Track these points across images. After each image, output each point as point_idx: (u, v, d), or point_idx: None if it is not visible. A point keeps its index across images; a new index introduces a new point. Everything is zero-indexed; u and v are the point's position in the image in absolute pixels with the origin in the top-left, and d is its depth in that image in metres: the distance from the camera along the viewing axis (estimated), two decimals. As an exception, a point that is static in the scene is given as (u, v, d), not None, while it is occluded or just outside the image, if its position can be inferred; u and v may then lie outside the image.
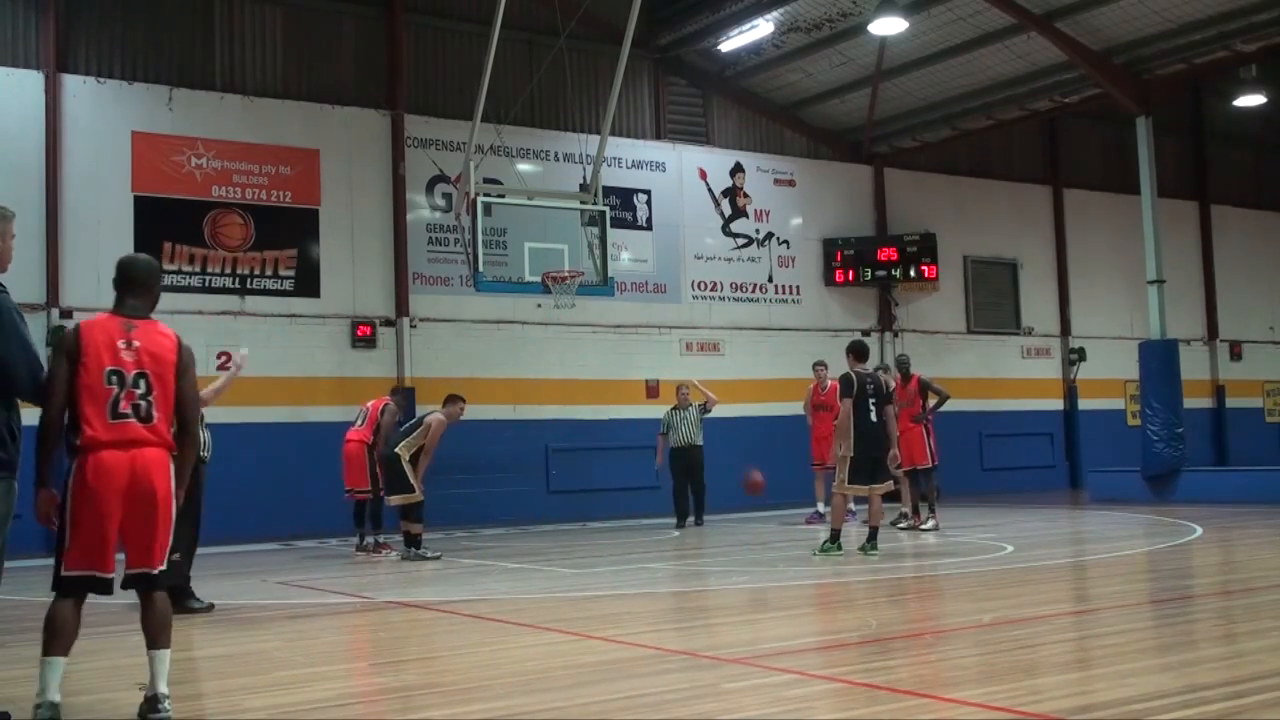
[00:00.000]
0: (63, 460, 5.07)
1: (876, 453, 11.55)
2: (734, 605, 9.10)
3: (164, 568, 5.12)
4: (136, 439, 5.01)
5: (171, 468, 5.12)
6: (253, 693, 5.87)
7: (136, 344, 5.07)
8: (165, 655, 5.07)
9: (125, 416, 5.01)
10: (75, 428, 5.01)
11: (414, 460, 12.55)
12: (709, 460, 16.91)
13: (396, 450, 12.56)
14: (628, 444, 19.44)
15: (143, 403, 5.04)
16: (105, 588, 5.01)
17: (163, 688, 5.02)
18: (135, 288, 5.27)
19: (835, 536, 11.60)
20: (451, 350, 18.60)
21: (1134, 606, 8.23)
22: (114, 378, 5.01)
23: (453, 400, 13.11)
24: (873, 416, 11.47)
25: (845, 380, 11.56)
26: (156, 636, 5.08)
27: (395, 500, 12.65)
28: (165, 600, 5.19)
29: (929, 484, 14.43)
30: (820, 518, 15.69)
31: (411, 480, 12.45)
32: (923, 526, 13.98)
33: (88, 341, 5.04)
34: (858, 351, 11.86)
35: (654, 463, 17.15)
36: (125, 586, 5.09)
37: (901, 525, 14.45)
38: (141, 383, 5.05)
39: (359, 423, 13.63)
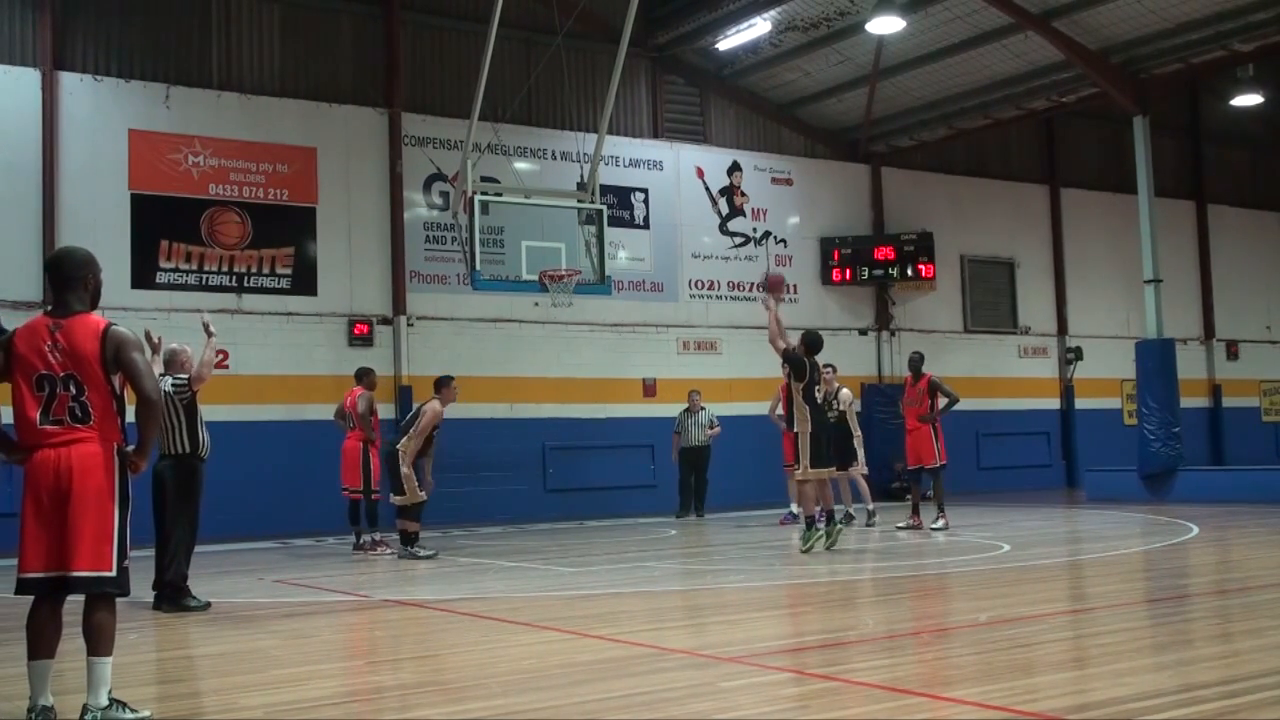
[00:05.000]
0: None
1: (825, 433, 12.06)
2: (731, 603, 9.10)
3: (97, 573, 4.86)
4: (68, 439, 4.90)
5: (113, 463, 4.97)
6: (249, 691, 5.87)
7: (61, 344, 4.94)
8: (100, 664, 4.89)
9: (59, 421, 4.92)
10: (16, 433, 4.99)
11: (419, 455, 12.47)
12: (718, 458, 18.18)
13: (397, 447, 12.55)
14: (625, 443, 19.47)
15: (75, 405, 4.93)
16: (41, 588, 4.89)
17: (95, 699, 4.85)
18: (65, 283, 5.10)
19: (811, 523, 11.70)
20: (448, 348, 18.58)
21: (1130, 605, 8.24)
22: (44, 383, 4.93)
23: (443, 383, 12.92)
24: (819, 398, 12.03)
25: (799, 362, 11.77)
26: (89, 644, 4.92)
27: (395, 500, 12.62)
28: (105, 608, 4.96)
29: (936, 483, 14.43)
30: (794, 518, 15.78)
31: (411, 481, 12.41)
32: (933, 526, 13.96)
33: (17, 347, 4.97)
34: (812, 344, 12.11)
35: (650, 461, 18.90)
36: (51, 590, 4.91)
37: (901, 525, 14.46)
38: (72, 385, 4.93)
39: (353, 424, 13.61)
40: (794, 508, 15.97)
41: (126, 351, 5.03)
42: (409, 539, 12.52)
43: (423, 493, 12.58)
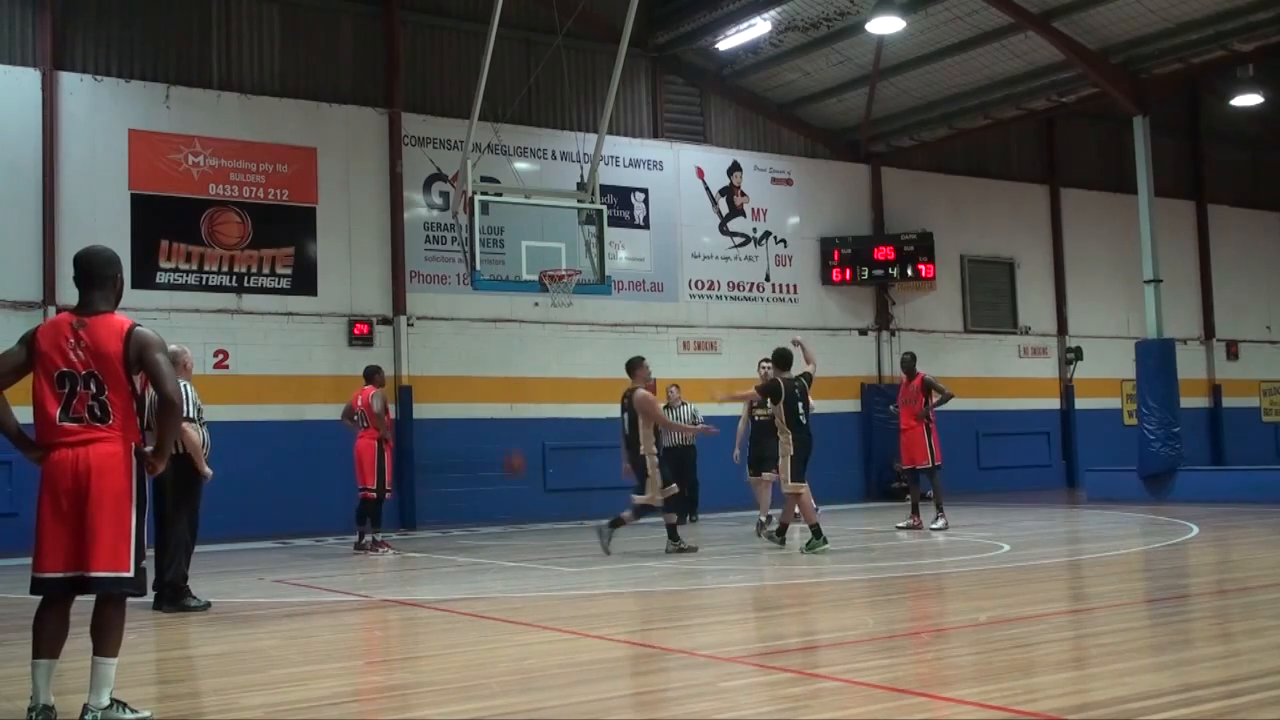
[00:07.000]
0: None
1: (809, 451, 12.19)
2: (731, 603, 9.11)
3: (115, 573, 4.86)
4: (87, 438, 4.90)
5: (130, 463, 4.96)
6: (249, 691, 5.87)
7: (85, 342, 4.95)
8: (104, 664, 4.89)
9: (78, 419, 4.91)
10: (36, 430, 4.99)
11: (659, 449, 12.18)
12: (707, 458, 17.29)
13: (641, 453, 12.13)
14: (625, 443, 19.42)
15: (95, 404, 4.93)
16: (57, 588, 4.89)
17: (97, 699, 4.84)
18: (92, 281, 5.10)
19: (818, 531, 11.84)
20: (449, 349, 18.60)
21: (1130, 605, 8.24)
22: (65, 380, 4.92)
23: (633, 366, 12.48)
24: (802, 418, 12.11)
25: (773, 387, 12.13)
26: (96, 644, 4.92)
27: (640, 500, 12.24)
28: (116, 608, 4.96)
29: (933, 483, 14.46)
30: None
31: (654, 478, 12.04)
32: (932, 526, 13.99)
33: (40, 344, 4.97)
34: (780, 361, 12.35)
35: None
36: (67, 590, 4.91)
37: (901, 525, 14.49)
38: (93, 383, 4.93)
39: (364, 424, 13.57)
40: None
41: (150, 352, 5.04)
42: (674, 533, 12.21)
43: (674, 485, 12.20)
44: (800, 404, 12.10)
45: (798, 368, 12.64)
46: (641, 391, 12.31)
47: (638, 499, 12.23)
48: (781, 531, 12.36)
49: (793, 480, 11.98)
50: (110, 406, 4.95)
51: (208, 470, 9.14)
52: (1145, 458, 18.63)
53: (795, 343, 12.95)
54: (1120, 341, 24.03)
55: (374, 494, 13.44)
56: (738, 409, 15.76)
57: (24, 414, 5.00)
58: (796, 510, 12.30)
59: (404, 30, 18.76)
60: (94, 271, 5.13)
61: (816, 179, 22.63)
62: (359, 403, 13.63)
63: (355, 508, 13.72)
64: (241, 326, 17.08)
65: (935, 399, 14.33)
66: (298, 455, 16.71)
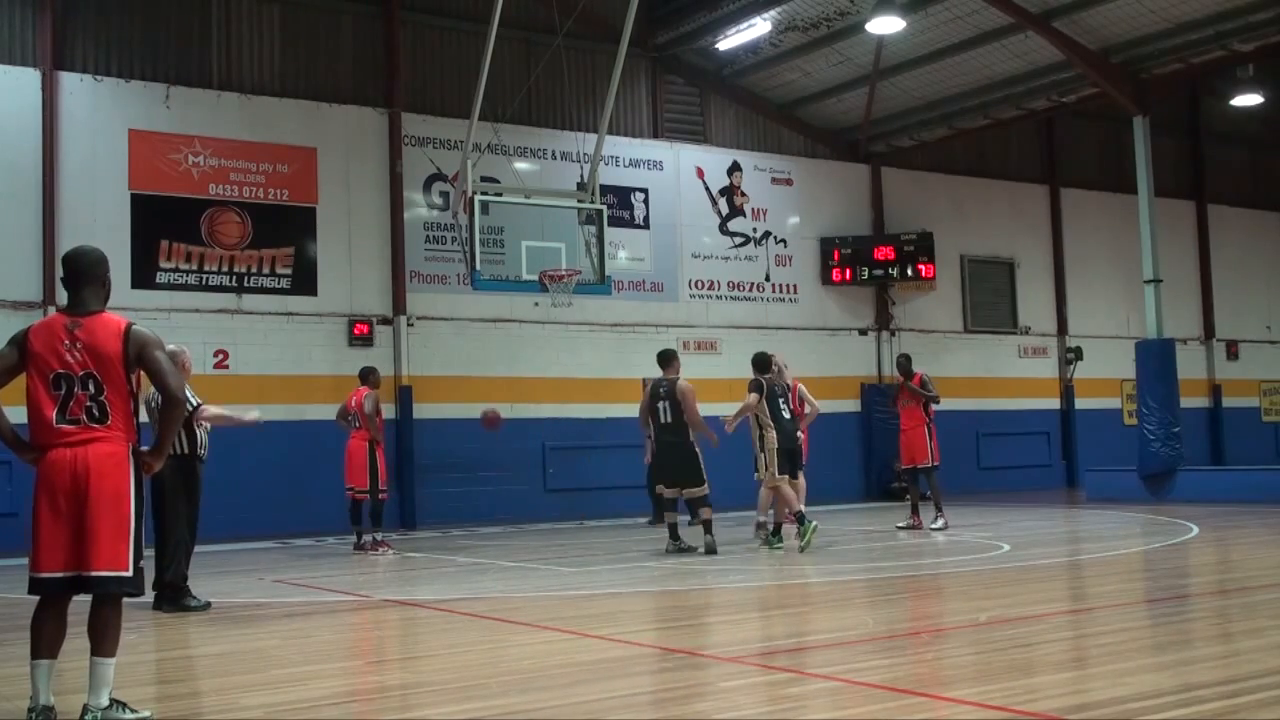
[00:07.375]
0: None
1: (792, 445, 12.49)
2: (730, 603, 9.11)
3: (114, 572, 4.86)
4: (85, 439, 4.89)
5: (129, 463, 4.96)
6: (250, 691, 5.87)
7: (80, 343, 4.92)
8: (103, 665, 4.88)
9: (75, 421, 4.90)
10: (31, 432, 4.98)
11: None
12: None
13: (690, 440, 12.13)
14: (624, 443, 19.39)
15: (93, 405, 4.91)
16: (56, 588, 4.88)
17: (96, 699, 4.84)
18: (82, 281, 5.08)
19: (801, 518, 12.00)
20: (449, 349, 18.60)
21: (1130, 605, 8.24)
22: (61, 381, 4.90)
23: (666, 360, 12.47)
24: (785, 413, 12.38)
25: (757, 382, 12.42)
26: (94, 644, 4.92)
27: (695, 492, 12.17)
28: (113, 608, 4.96)
29: (930, 483, 14.50)
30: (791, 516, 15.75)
31: (702, 471, 12.08)
32: (932, 526, 14.03)
33: (33, 345, 4.95)
34: (757, 364, 12.62)
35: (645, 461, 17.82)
36: (65, 589, 4.91)
37: (901, 525, 14.51)
38: (90, 384, 4.91)
39: (357, 425, 13.59)
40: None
41: (150, 350, 5.04)
42: (674, 532, 12.26)
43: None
44: (781, 400, 12.36)
45: None
46: (684, 382, 12.36)
47: (695, 493, 12.19)
48: (777, 530, 12.37)
49: (778, 474, 12.17)
50: (109, 407, 4.94)
51: (249, 417, 9.30)
52: (1145, 458, 18.63)
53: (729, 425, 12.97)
54: (1120, 341, 24.03)
55: (363, 494, 13.47)
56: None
57: (15, 414, 5.00)
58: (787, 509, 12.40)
59: (404, 30, 18.76)
60: (84, 271, 5.11)
61: (816, 179, 22.63)
62: (353, 404, 13.66)
63: (348, 508, 13.76)
64: (241, 326, 17.08)
65: (930, 392, 14.48)
66: (298, 455, 16.70)
